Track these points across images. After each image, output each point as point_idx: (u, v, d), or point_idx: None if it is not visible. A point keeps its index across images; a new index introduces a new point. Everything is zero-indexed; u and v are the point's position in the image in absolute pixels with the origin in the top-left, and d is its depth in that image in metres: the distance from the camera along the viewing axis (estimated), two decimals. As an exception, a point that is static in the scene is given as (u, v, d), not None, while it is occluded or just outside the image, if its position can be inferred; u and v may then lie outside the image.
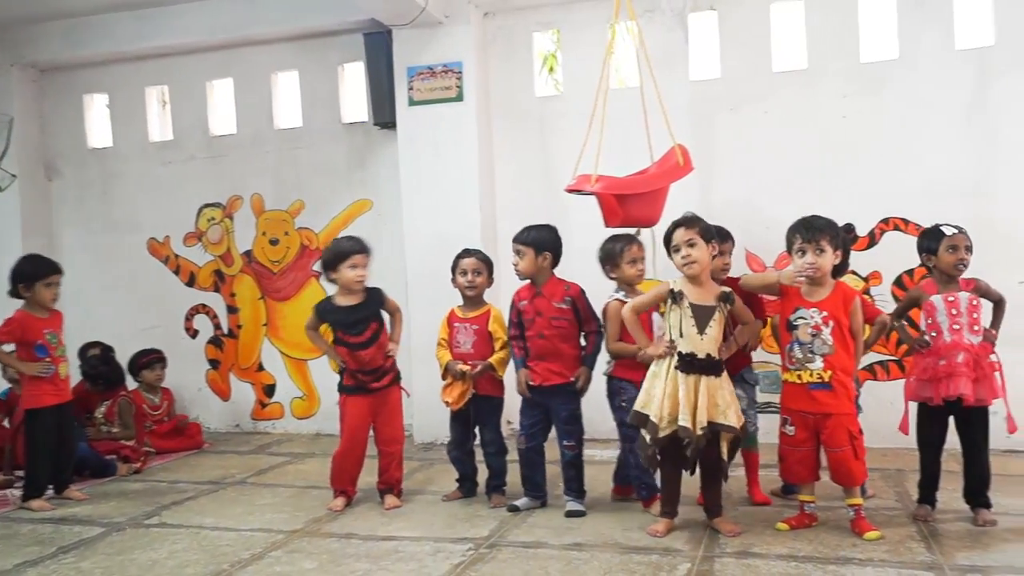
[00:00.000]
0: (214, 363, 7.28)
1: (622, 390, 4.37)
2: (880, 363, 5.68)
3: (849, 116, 5.73)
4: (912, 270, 5.61)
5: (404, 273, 6.29)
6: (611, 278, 4.55)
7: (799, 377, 3.93)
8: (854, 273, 5.52)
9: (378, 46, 6.37)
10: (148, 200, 7.36)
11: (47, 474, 5.05)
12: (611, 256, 4.49)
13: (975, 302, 4.04)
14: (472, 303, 4.74)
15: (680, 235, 3.96)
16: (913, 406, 4.21)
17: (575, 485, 4.48)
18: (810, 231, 3.91)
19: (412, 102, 6.28)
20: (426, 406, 6.04)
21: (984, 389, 3.96)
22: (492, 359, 4.61)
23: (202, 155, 7.22)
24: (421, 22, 6.06)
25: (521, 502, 4.54)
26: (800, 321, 3.93)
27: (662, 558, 3.72)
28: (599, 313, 4.47)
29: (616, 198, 4.58)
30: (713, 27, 6.04)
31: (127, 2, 6.81)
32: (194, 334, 7.31)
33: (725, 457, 3.96)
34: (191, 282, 7.31)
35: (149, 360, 6.69)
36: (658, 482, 4.20)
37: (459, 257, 4.76)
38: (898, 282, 5.66)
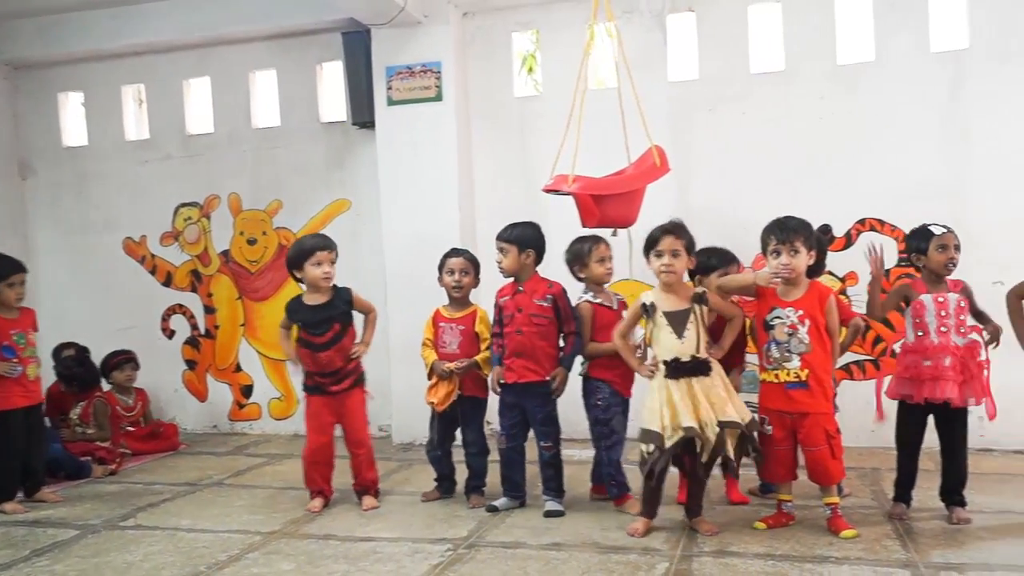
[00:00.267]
0: (191, 364, 7.23)
1: (597, 389, 4.40)
2: (856, 363, 5.72)
3: (826, 117, 5.78)
4: (889, 270, 5.66)
5: (383, 273, 6.27)
6: (579, 279, 4.57)
7: (776, 376, 3.95)
8: (831, 274, 5.56)
9: (357, 45, 6.35)
10: (124, 199, 7.30)
11: (16, 477, 4.97)
12: (579, 256, 4.51)
13: (963, 303, 4.07)
14: (458, 303, 4.73)
15: (668, 243, 3.97)
16: (892, 405, 4.23)
17: (554, 485, 4.49)
18: (784, 232, 3.93)
19: (391, 102, 6.27)
20: (405, 406, 6.03)
21: (973, 389, 3.99)
22: (477, 357, 4.61)
23: (179, 154, 7.17)
24: (400, 21, 6.05)
25: (500, 502, 4.54)
26: (777, 321, 3.95)
27: (640, 557, 3.73)
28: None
29: (593, 198, 4.59)
30: (691, 28, 6.06)
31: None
32: (171, 334, 7.25)
33: (732, 456, 3.93)
34: (168, 282, 7.26)
35: (119, 361, 6.63)
36: (634, 482, 4.21)
37: (446, 256, 4.75)
38: (874, 282, 5.71)
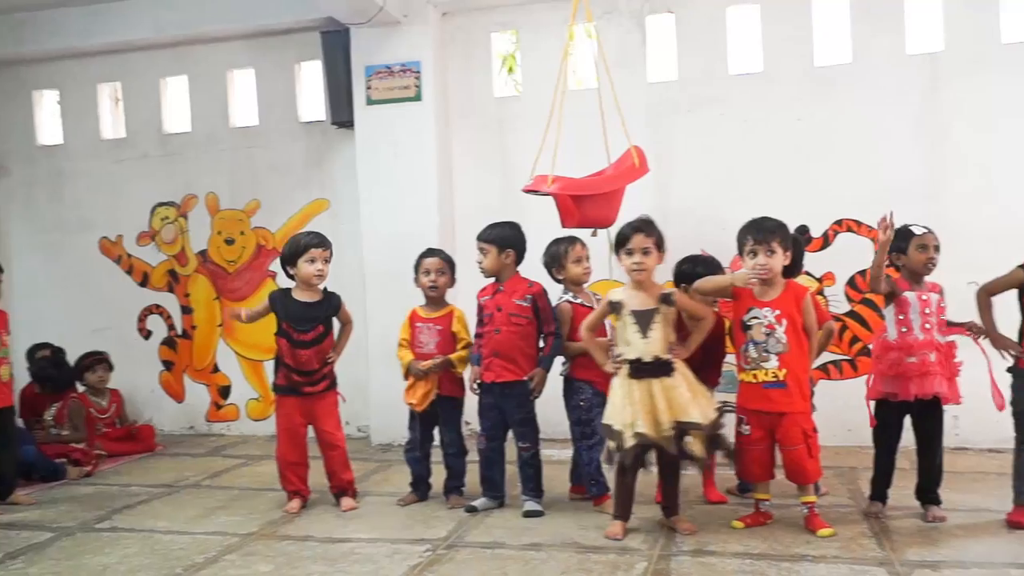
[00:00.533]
0: (168, 364, 7.18)
1: (580, 390, 4.42)
2: (833, 362, 5.77)
3: (803, 119, 5.82)
4: (865, 271, 5.70)
5: (361, 273, 6.25)
6: (558, 280, 4.60)
7: (755, 376, 3.97)
8: (808, 274, 5.61)
9: (336, 45, 6.32)
10: (100, 199, 7.24)
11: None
12: (556, 258, 4.54)
13: (943, 304, 4.11)
14: (435, 303, 4.73)
15: (639, 241, 3.98)
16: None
17: (533, 485, 4.49)
18: (761, 233, 3.95)
19: (370, 101, 6.25)
20: (384, 407, 6.02)
21: (951, 388, 4.03)
22: (452, 356, 4.60)
23: (156, 153, 7.12)
24: (379, 21, 6.03)
25: (479, 502, 4.54)
26: (754, 321, 3.97)
27: (619, 557, 3.74)
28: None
29: (573, 199, 4.59)
30: (670, 30, 6.09)
31: (78, -3, 6.71)
32: (147, 335, 7.20)
33: (700, 455, 3.93)
34: (144, 282, 7.20)
35: (90, 362, 6.57)
36: (610, 482, 4.22)
37: (422, 257, 4.74)
38: (851, 283, 5.76)
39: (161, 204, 7.13)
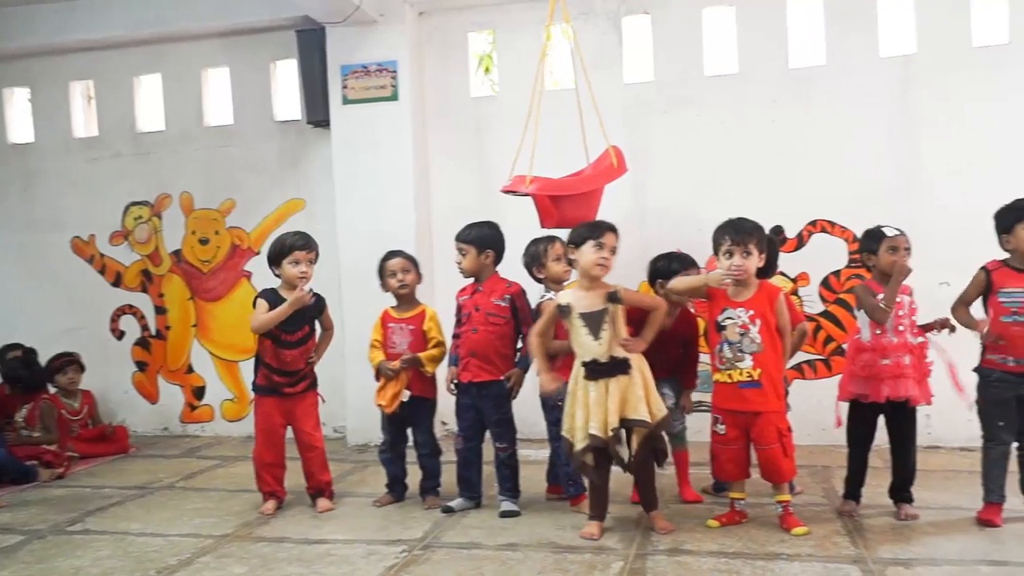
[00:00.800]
0: (141, 365, 7.11)
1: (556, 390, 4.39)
2: (808, 362, 5.81)
3: (778, 120, 5.86)
4: (839, 271, 5.76)
5: (338, 273, 6.22)
6: (538, 280, 4.59)
7: (729, 376, 3.99)
8: (782, 274, 5.65)
9: (311, 44, 6.29)
10: (72, 198, 7.16)
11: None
12: (536, 257, 4.55)
13: (914, 305, 4.14)
14: (406, 302, 4.71)
15: (612, 239, 3.98)
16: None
17: (509, 485, 4.49)
18: (739, 234, 3.97)
19: (346, 101, 6.22)
20: (360, 408, 5.99)
21: (923, 389, 4.06)
22: (421, 354, 4.58)
23: (129, 152, 7.05)
24: (355, 20, 6.01)
25: (456, 503, 4.53)
26: (728, 321, 3.99)
27: (595, 557, 3.75)
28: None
29: (551, 199, 4.60)
30: (646, 31, 6.11)
31: (50, -7, 6.64)
32: (120, 335, 7.13)
33: (632, 452, 3.95)
34: (117, 282, 7.13)
35: (61, 364, 6.50)
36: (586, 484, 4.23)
37: (384, 260, 4.72)
38: (825, 283, 5.81)
39: (134, 203, 7.06)
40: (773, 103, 5.86)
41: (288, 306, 4.46)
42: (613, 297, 3.96)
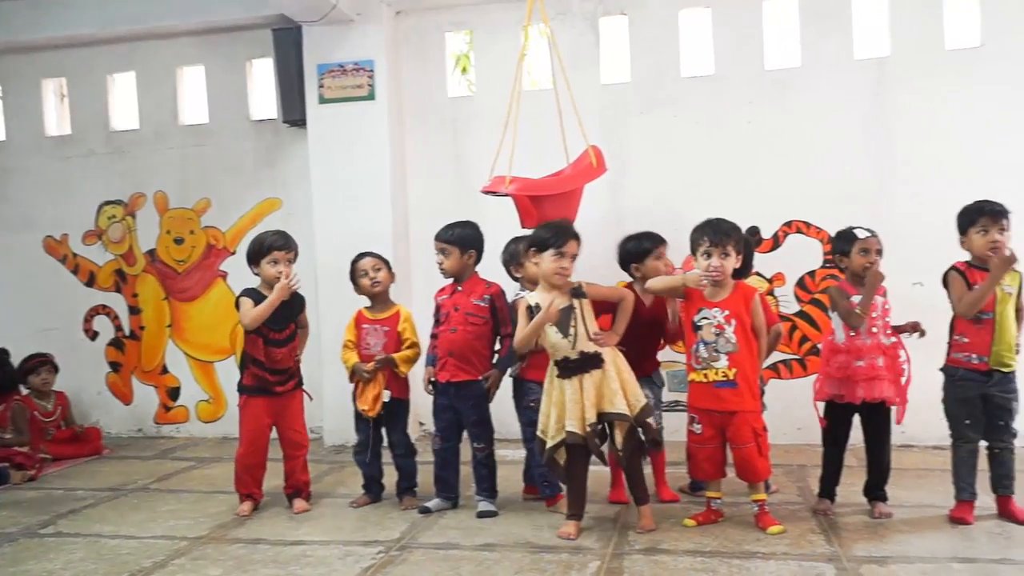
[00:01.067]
0: (115, 366, 7.04)
1: (530, 391, 4.41)
2: (783, 362, 5.85)
3: (754, 121, 5.89)
4: (814, 271, 5.80)
5: (314, 274, 6.18)
6: (515, 279, 4.60)
7: (705, 376, 4.01)
8: (758, 275, 5.68)
9: (287, 42, 6.26)
10: (44, 197, 7.07)
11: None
12: (515, 256, 4.55)
13: (887, 306, 4.17)
14: (380, 302, 4.70)
15: (573, 247, 3.98)
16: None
17: (486, 485, 4.49)
18: (717, 235, 3.99)
19: (323, 100, 6.19)
20: (336, 408, 5.96)
21: (897, 389, 4.10)
22: (395, 355, 4.57)
23: (102, 150, 6.98)
24: (332, 19, 5.98)
25: (432, 503, 4.52)
26: (704, 321, 4.01)
27: (572, 556, 3.75)
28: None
29: (531, 199, 4.60)
30: (623, 32, 6.12)
31: (21, -11, 6.56)
32: (93, 336, 7.05)
33: (619, 445, 3.98)
34: (91, 282, 7.05)
35: (34, 365, 6.42)
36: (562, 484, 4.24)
37: (355, 262, 4.70)
38: (800, 283, 5.85)
39: (108, 203, 7.00)
40: (749, 104, 5.89)
41: (276, 295, 4.45)
42: (577, 292, 3.97)
